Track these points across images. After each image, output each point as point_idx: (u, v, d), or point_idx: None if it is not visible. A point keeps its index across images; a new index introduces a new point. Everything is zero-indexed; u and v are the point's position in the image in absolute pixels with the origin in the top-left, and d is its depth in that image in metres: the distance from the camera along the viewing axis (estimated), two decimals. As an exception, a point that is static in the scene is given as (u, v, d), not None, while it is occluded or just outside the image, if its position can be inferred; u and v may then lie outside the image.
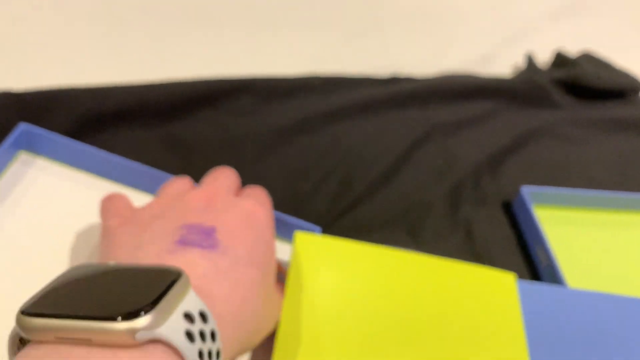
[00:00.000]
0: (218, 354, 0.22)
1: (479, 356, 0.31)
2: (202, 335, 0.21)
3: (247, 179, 0.34)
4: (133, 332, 0.19)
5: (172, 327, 0.20)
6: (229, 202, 0.29)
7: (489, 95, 0.51)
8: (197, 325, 0.21)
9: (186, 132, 0.41)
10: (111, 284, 0.22)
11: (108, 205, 0.31)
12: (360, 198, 0.40)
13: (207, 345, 0.21)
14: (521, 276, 0.39)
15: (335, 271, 0.34)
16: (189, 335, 0.20)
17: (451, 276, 0.34)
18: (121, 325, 0.19)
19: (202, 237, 0.26)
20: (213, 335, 0.22)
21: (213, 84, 0.44)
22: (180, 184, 0.32)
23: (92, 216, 0.34)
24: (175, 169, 0.36)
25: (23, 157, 0.37)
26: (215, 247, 0.26)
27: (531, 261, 0.41)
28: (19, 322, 0.20)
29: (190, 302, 0.21)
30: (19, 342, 0.21)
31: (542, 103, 0.52)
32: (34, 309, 0.20)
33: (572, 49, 0.57)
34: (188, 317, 0.21)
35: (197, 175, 0.34)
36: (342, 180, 0.41)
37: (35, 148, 0.37)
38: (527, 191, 0.42)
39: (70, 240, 0.34)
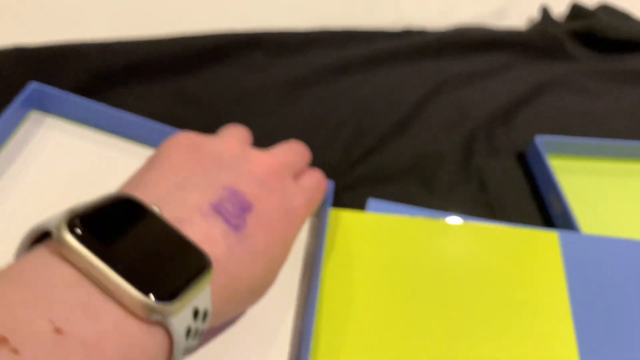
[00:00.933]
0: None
1: (523, 317, 0.32)
2: (196, 332, 0.22)
3: (260, 131, 0.34)
4: (151, 310, 0.19)
5: (180, 319, 0.20)
6: (282, 186, 0.28)
7: (503, 48, 0.50)
8: (197, 323, 0.22)
9: (197, 86, 0.41)
10: (151, 244, 0.22)
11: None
12: (373, 149, 0.40)
13: (193, 342, 0.22)
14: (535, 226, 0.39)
15: (371, 244, 0.34)
16: (188, 331, 0.21)
17: (491, 240, 0.34)
18: (144, 299, 0.19)
19: (235, 211, 0.26)
20: (201, 334, 0.23)
21: (223, 38, 0.43)
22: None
23: (103, 173, 0.35)
24: (187, 124, 0.36)
25: (34, 116, 0.37)
26: (239, 230, 0.25)
27: (545, 212, 0.41)
28: (60, 231, 0.20)
29: (203, 299, 0.22)
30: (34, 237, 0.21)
31: (556, 55, 0.51)
32: (82, 235, 0.20)
33: (590, 1, 0.56)
34: (195, 313, 0.21)
35: (209, 131, 0.34)
36: (355, 132, 0.41)
37: (46, 107, 0.37)
38: (541, 140, 0.42)
39: (82, 199, 0.34)
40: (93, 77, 0.39)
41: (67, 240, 0.20)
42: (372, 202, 0.38)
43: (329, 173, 0.38)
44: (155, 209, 0.23)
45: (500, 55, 0.50)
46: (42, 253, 0.20)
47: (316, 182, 0.32)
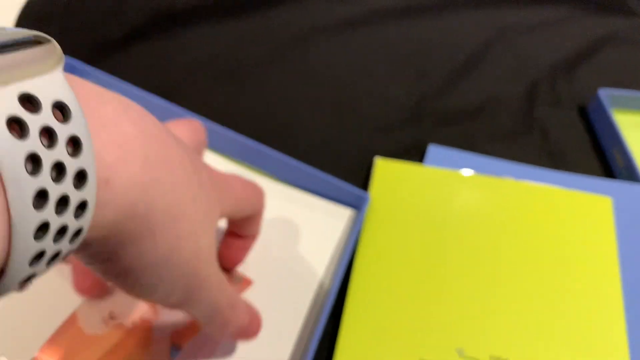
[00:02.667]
0: (79, 231, 0.14)
1: (572, 277, 0.31)
2: (58, 167, 0.13)
3: (323, 67, 0.34)
4: None
5: None
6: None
7: (563, 0, 0.49)
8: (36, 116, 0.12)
9: (252, 26, 0.41)
10: None
11: None
12: (436, 90, 0.40)
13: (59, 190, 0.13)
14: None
15: (417, 196, 0.34)
16: (19, 133, 0.12)
17: (545, 201, 0.34)
18: None
19: None
20: (83, 176, 0.13)
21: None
22: None
23: None
24: (251, 61, 0.36)
25: None
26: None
27: (606, 163, 0.40)
28: None
29: (50, 85, 0.13)
30: None
31: (617, 9, 0.50)
32: None
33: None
34: (28, 101, 0.12)
35: (270, 67, 0.34)
36: (418, 73, 0.40)
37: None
38: (605, 94, 0.41)
39: None
40: (150, 19, 0.39)
41: None
42: (432, 147, 0.37)
43: (392, 109, 0.38)
44: None
45: (560, 7, 0.48)
46: None
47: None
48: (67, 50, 0.36)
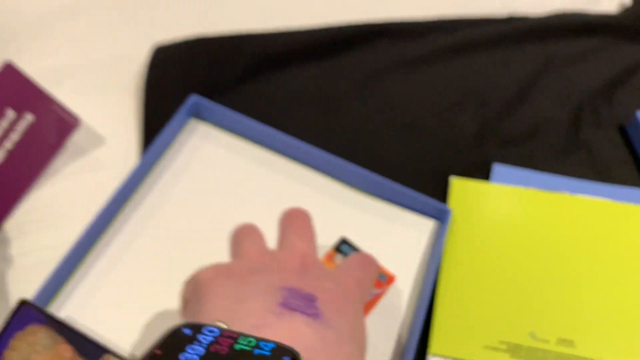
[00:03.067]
0: None
1: (627, 273, 0.37)
2: None
3: (392, 98, 0.41)
4: None
5: None
6: (323, 272, 0.29)
7: (599, 31, 0.55)
8: None
9: (338, 66, 0.48)
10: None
11: (238, 243, 0.32)
12: (497, 116, 0.47)
13: None
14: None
15: (491, 214, 0.41)
16: None
17: (607, 216, 0.40)
18: None
19: (304, 303, 0.26)
20: None
21: (357, 27, 0.50)
22: (257, 240, 0.33)
23: (252, 186, 0.39)
24: (332, 96, 0.43)
25: (192, 124, 0.42)
26: (319, 317, 0.25)
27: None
28: None
29: None
30: None
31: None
32: None
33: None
34: None
35: (350, 102, 0.41)
36: (480, 101, 0.47)
37: (203, 116, 0.42)
38: (642, 115, 0.47)
39: (232, 209, 0.38)
40: (256, 62, 0.46)
41: None
42: (496, 166, 0.44)
43: (459, 135, 0.45)
44: (221, 324, 0.22)
45: (596, 38, 0.55)
46: None
47: (357, 260, 0.33)
48: (190, 89, 0.44)
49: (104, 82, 0.46)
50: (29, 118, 0.40)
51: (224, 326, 0.22)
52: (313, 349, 0.23)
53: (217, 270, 0.29)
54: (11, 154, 0.40)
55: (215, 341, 0.21)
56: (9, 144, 0.40)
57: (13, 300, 0.38)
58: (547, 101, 0.49)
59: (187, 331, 0.21)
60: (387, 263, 0.37)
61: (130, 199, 0.39)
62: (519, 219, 0.40)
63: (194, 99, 0.41)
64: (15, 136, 0.40)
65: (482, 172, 0.44)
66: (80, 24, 0.50)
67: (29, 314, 0.31)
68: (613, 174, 0.45)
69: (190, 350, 0.20)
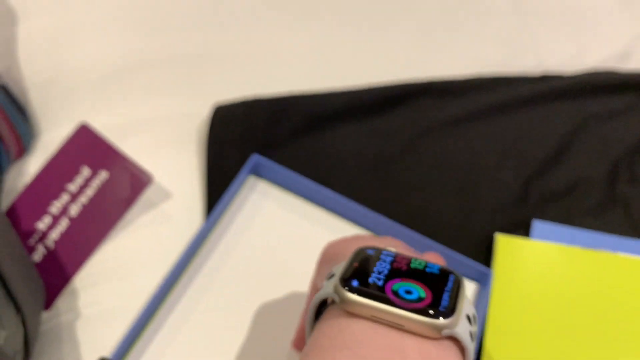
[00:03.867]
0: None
1: None
2: (473, 335, 0.24)
3: (437, 157, 0.45)
4: (442, 328, 0.23)
5: (463, 327, 0.23)
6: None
7: (631, 89, 0.58)
8: (472, 327, 0.25)
9: (385, 125, 0.51)
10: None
11: None
12: (536, 173, 0.49)
13: (474, 344, 0.25)
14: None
15: (536, 271, 0.42)
16: (471, 335, 0.24)
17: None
18: (435, 321, 0.22)
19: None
20: (475, 336, 0.25)
21: (401, 87, 0.53)
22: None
23: (303, 245, 0.41)
24: (380, 154, 0.47)
25: (251, 181, 0.45)
26: None
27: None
28: (341, 293, 0.23)
29: (468, 306, 0.25)
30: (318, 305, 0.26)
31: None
32: (356, 288, 0.23)
33: None
34: (468, 318, 0.24)
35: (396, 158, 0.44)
36: (519, 159, 0.50)
37: (261, 174, 0.45)
38: (676, 172, 0.49)
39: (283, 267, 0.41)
40: (308, 121, 0.50)
41: (352, 299, 0.23)
42: (536, 223, 0.47)
43: (502, 192, 0.47)
44: (392, 248, 0.27)
45: (629, 95, 0.57)
46: (335, 320, 0.24)
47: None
48: (246, 146, 0.47)
49: (166, 139, 0.49)
50: (103, 175, 0.44)
51: (396, 250, 0.27)
52: None
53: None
54: (85, 208, 0.43)
55: (395, 260, 0.26)
56: (84, 199, 0.43)
57: (83, 350, 0.40)
58: (584, 158, 0.51)
59: (371, 252, 0.26)
60: None
61: (197, 256, 0.42)
62: (561, 277, 0.42)
63: (255, 157, 0.44)
64: (90, 192, 0.43)
65: (522, 229, 0.46)
66: (141, 82, 0.53)
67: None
68: (650, 230, 0.47)
69: (379, 264, 0.25)
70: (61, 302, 0.42)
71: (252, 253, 0.42)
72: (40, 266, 0.42)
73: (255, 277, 0.41)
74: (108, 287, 0.42)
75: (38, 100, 0.52)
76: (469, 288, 0.42)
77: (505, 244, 0.44)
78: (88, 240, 0.43)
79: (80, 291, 0.43)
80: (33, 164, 0.48)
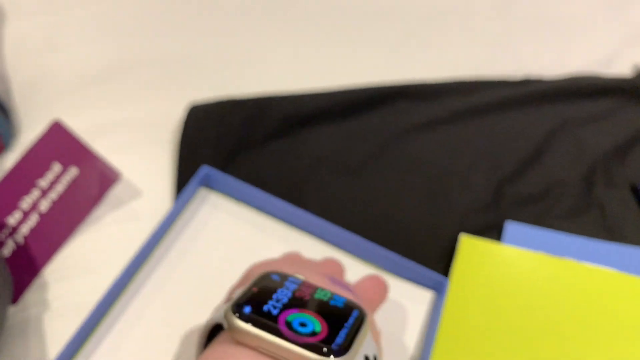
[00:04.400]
0: None
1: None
2: None
3: (410, 160, 0.46)
4: None
5: None
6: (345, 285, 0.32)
7: (612, 94, 0.58)
8: None
9: (360, 127, 0.51)
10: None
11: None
12: (510, 176, 0.49)
13: None
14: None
15: (496, 276, 0.42)
16: None
17: (611, 286, 0.41)
18: (323, 359, 0.22)
19: (346, 286, 0.30)
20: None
21: (377, 89, 0.53)
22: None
23: (259, 257, 0.38)
24: (355, 156, 0.47)
25: (202, 192, 0.44)
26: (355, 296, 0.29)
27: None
28: (229, 320, 0.23)
29: (370, 346, 0.24)
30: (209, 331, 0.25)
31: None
32: (246, 315, 0.23)
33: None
34: (366, 359, 0.24)
35: (368, 161, 0.43)
36: (493, 162, 0.49)
37: (212, 186, 0.44)
38: (653, 176, 0.49)
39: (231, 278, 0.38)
40: (284, 122, 0.50)
41: (239, 326, 0.22)
42: (509, 224, 0.46)
43: (474, 195, 0.47)
44: (301, 276, 0.27)
45: (609, 100, 0.57)
46: (221, 346, 0.23)
47: (371, 282, 0.35)
48: (220, 146, 0.47)
49: (141, 138, 0.50)
50: (73, 171, 0.44)
51: (304, 278, 0.26)
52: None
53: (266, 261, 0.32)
54: (55, 204, 0.44)
55: (299, 289, 0.25)
56: (53, 195, 0.44)
57: (49, 342, 0.40)
58: (559, 162, 0.50)
59: (276, 277, 0.26)
60: (385, 334, 0.37)
61: (145, 265, 0.41)
62: (522, 282, 0.42)
63: (204, 169, 0.43)
64: (60, 187, 0.44)
65: (495, 232, 0.46)
66: (120, 84, 0.54)
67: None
68: (624, 233, 0.47)
69: (280, 292, 0.25)
70: (29, 296, 0.42)
71: (201, 263, 0.41)
72: (10, 261, 0.43)
73: (204, 288, 0.39)
74: (75, 282, 0.42)
75: (19, 100, 0.53)
76: (425, 297, 0.41)
77: (467, 246, 0.44)
78: (57, 236, 0.44)
79: (48, 285, 0.43)
80: (10, 161, 0.48)
